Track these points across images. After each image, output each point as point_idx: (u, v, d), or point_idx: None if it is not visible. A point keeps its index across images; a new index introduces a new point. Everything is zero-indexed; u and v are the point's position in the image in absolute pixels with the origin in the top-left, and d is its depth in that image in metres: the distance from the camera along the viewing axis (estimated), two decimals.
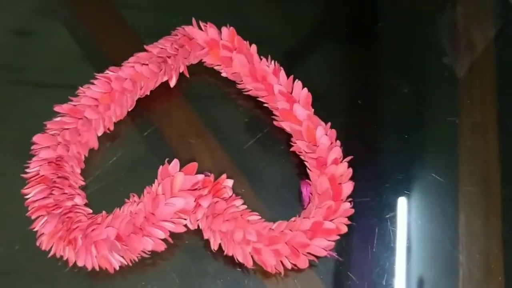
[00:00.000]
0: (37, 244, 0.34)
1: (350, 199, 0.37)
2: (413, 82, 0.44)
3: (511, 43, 0.48)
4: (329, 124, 0.39)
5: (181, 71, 0.42)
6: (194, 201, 0.35)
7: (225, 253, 0.35)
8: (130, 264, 0.34)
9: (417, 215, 0.39)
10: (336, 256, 0.36)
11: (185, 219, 0.35)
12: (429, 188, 0.40)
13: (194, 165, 0.36)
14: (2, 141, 0.41)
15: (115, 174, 0.39)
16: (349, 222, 0.36)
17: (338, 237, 0.35)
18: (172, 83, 0.42)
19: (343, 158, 0.37)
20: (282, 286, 0.36)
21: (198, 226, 0.36)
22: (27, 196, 0.35)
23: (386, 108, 0.44)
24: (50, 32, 0.47)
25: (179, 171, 0.35)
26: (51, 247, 0.34)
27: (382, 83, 0.45)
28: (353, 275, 0.36)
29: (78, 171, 0.38)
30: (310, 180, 0.38)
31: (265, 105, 0.41)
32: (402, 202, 0.39)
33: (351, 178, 0.37)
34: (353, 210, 0.36)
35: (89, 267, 0.34)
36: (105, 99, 0.38)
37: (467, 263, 0.37)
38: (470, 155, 0.41)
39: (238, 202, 0.36)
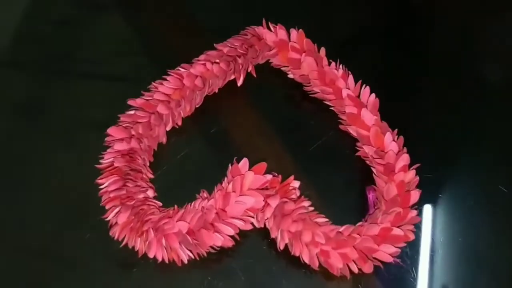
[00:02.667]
0: (110, 233, 0.35)
1: (415, 207, 0.37)
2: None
3: None
4: (396, 130, 0.39)
5: (249, 70, 0.42)
6: (263, 200, 0.35)
7: (292, 254, 0.35)
8: (198, 259, 0.35)
9: (485, 226, 0.38)
10: (401, 263, 0.36)
11: (252, 217, 0.36)
12: (498, 202, 0.39)
13: (263, 165, 0.36)
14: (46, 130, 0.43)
15: (182, 169, 0.40)
16: (414, 230, 0.36)
17: (405, 245, 0.35)
18: (240, 82, 0.42)
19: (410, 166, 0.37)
20: None
21: (264, 225, 0.36)
22: (101, 186, 0.36)
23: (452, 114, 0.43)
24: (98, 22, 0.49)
25: (249, 170, 0.36)
26: (123, 237, 0.35)
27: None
28: (417, 283, 0.36)
29: (148, 164, 0.38)
30: (375, 185, 0.38)
31: (331, 108, 0.41)
32: (469, 213, 0.39)
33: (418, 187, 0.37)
34: (420, 218, 0.36)
35: (159, 259, 0.34)
36: (176, 95, 0.39)
37: None
38: None
39: (307, 203, 0.36)
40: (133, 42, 0.48)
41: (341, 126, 0.41)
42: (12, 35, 0.49)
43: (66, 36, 0.48)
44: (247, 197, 0.35)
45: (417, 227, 0.36)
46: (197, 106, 0.41)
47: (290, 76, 0.43)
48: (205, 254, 0.35)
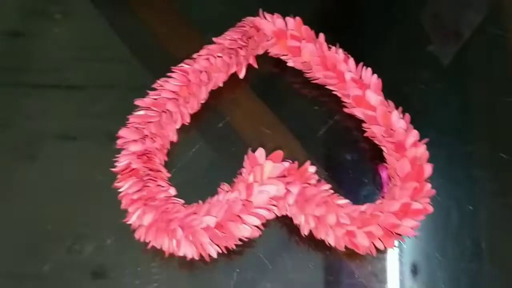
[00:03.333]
0: (136, 236, 0.35)
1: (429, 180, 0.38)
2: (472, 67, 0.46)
3: None
4: (401, 108, 0.40)
5: (250, 62, 0.42)
6: (284, 188, 0.36)
7: (317, 237, 0.36)
8: (226, 252, 0.35)
9: (491, 195, 0.40)
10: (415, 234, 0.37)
11: (275, 206, 0.36)
12: (500, 167, 0.41)
13: (280, 153, 0.36)
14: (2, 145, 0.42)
15: (196, 165, 0.39)
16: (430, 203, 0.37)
17: (424, 217, 0.36)
18: (242, 75, 0.42)
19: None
20: (371, 268, 0.37)
21: (284, 213, 0.37)
22: (120, 190, 0.35)
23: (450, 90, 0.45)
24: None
25: (266, 159, 0.36)
26: (150, 239, 0.34)
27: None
28: (438, 254, 0.38)
29: (163, 163, 0.38)
30: (386, 163, 0.39)
31: (334, 92, 0.42)
32: (474, 183, 0.40)
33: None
34: (434, 191, 0.37)
35: (189, 256, 0.34)
36: (184, 91, 0.39)
37: None
38: None
39: (327, 186, 0.37)
40: (89, 48, 0.47)
41: (345, 109, 0.42)
42: None
43: (18, 47, 0.47)
44: (269, 186, 0.35)
45: None
46: (202, 102, 0.41)
47: (290, 64, 0.43)
48: (234, 247, 0.35)
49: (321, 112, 0.43)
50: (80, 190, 0.39)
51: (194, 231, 0.34)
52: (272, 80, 0.44)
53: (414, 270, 0.38)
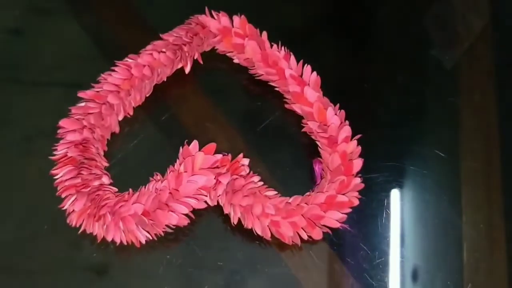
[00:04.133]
0: (67, 221, 0.36)
1: (359, 175, 0.39)
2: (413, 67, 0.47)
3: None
4: (338, 105, 0.41)
5: (195, 58, 0.44)
6: (214, 178, 0.37)
7: (244, 227, 0.37)
8: (155, 239, 0.36)
9: (423, 188, 0.41)
10: (349, 228, 0.38)
11: (205, 196, 0.37)
12: (433, 164, 0.42)
13: (213, 146, 0.38)
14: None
15: (137, 156, 0.41)
16: (360, 196, 0.38)
17: (350, 210, 0.38)
18: (187, 70, 0.44)
19: (352, 137, 0.40)
20: (298, 257, 0.38)
21: (217, 203, 0.38)
22: (56, 177, 0.37)
23: (390, 91, 0.46)
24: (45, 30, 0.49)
25: (199, 151, 0.37)
26: (81, 224, 0.36)
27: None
28: (365, 246, 0.39)
29: (102, 153, 0.40)
30: (321, 158, 0.40)
31: (276, 89, 0.43)
32: (408, 177, 0.42)
33: (360, 156, 0.39)
34: (363, 185, 0.38)
35: (118, 241, 0.36)
36: (125, 85, 0.40)
37: (471, 233, 0.39)
38: (470, 133, 0.44)
39: (256, 178, 0.38)
40: (87, 46, 0.48)
41: (286, 105, 0.43)
42: None
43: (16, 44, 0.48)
44: (199, 176, 0.36)
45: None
46: (147, 95, 0.43)
47: (236, 61, 0.45)
48: (162, 234, 0.36)
49: (263, 108, 0.44)
50: None
51: (122, 218, 0.35)
52: (218, 76, 0.45)
53: (342, 262, 0.39)
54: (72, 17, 0.50)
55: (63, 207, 0.36)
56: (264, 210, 0.36)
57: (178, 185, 0.36)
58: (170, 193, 0.36)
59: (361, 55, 0.48)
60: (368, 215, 0.40)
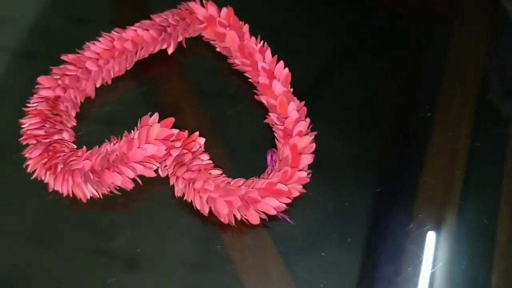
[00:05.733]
0: (23, 166, 0.39)
1: (309, 171, 0.40)
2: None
3: None
4: (303, 102, 0.42)
5: (179, 40, 0.46)
6: (166, 150, 0.39)
7: (187, 200, 0.39)
8: (101, 197, 0.39)
9: (371, 182, 0.42)
10: (287, 219, 0.39)
11: (156, 166, 0.39)
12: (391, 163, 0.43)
13: (171, 120, 0.40)
14: None
15: (106, 121, 0.44)
16: (303, 190, 0.39)
17: (290, 200, 0.38)
18: (170, 51, 0.46)
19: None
20: (236, 238, 0.39)
21: (167, 174, 0.40)
22: (22, 126, 0.40)
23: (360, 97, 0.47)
24: None
25: (157, 123, 0.40)
26: (34, 170, 0.39)
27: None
28: (302, 238, 0.39)
29: (73, 113, 0.43)
30: (276, 149, 0.42)
31: (250, 80, 0.45)
32: (362, 176, 0.42)
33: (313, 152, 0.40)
34: (308, 179, 0.39)
35: (65, 193, 0.38)
36: (106, 54, 0.43)
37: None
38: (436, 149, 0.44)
39: (205, 156, 0.40)
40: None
41: (255, 96, 0.45)
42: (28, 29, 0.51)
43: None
44: (150, 145, 0.39)
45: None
46: (128, 68, 0.45)
47: (218, 49, 0.47)
48: (107, 192, 0.39)
49: (235, 96, 0.46)
50: None
51: (71, 171, 0.38)
52: (200, 61, 0.48)
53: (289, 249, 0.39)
54: None
55: (24, 154, 0.39)
56: (204, 185, 0.38)
57: (129, 150, 0.38)
58: (118, 155, 0.38)
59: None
60: (312, 211, 0.41)
